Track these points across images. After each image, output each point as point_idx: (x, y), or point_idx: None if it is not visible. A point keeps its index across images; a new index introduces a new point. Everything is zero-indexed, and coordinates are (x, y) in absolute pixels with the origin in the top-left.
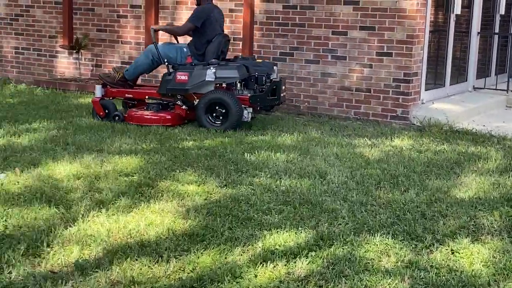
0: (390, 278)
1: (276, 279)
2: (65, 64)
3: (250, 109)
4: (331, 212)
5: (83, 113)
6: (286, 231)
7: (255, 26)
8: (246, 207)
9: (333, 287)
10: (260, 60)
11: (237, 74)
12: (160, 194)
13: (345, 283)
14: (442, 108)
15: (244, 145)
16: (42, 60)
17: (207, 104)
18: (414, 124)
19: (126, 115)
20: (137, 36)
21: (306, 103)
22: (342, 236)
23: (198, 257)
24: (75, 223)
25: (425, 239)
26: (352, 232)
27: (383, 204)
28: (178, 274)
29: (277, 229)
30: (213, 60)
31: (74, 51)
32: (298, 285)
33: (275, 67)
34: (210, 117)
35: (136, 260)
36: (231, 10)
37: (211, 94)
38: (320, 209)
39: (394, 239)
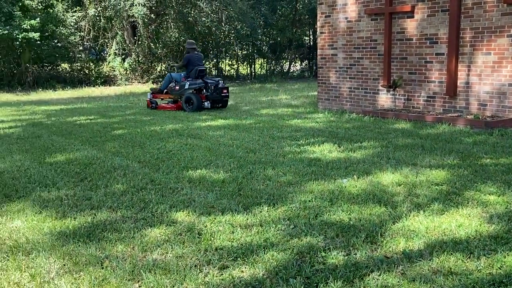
0: None
1: None
2: (384, 99)
3: (208, 101)
4: None
5: (399, 135)
6: None
7: None
8: None
9: None
10: (215, 77)
11: (197, 85)
12: (466, 202)
13: None
14: None
15: None
16: (368, 96)
17: (185, 99)
18: None
19: (158, 106)
20: (440, 77)
21: None
22: None
23: (505, 257)
24: (400, 220)
25: None
26: None
27: None
28: (488, 270)
29: None
30: (189, 78)
31: (391, 89)
32: None
33: (221, 81)
34: (187, 105)
35: (451, 254)
36: None
37: (186, 94)
38: None
39: None
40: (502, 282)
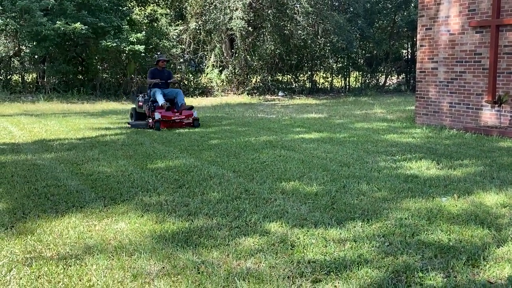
0: None
1: None
2: (487, 115)
3: None
4: None
5: (504, 153)
6: None
7: None
8: None
9: None
10: None
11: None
12: None
13: None
14: None
15: None
16: (470, 112)
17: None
18: None
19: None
20: None
21: None
22: None
23: None
24: (505, 244)
25: None
26: None
27: None
28: None
29: None
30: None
31: (496, 105)
32: None
33: None
34: None
35: None
36: None
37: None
38: None
39: None
40: None
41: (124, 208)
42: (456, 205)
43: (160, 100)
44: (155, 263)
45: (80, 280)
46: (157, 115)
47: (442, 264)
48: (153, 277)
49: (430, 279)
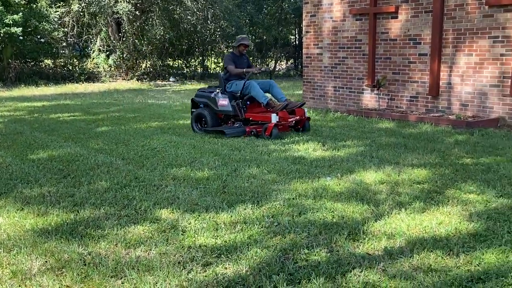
0: None
1: None
2: (368, 98)
3: None
4: None
5: (382, 134)
6: None
7: None
8: None
9: None
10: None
11: None
12: (447, 200)
13: None
14: None
15: None
16: (352, 95)
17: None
18: None
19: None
20: (422, 77)
21: None
22: None
23: (483, 254)
24: (382, 218)
25: None
26: None
27: None
28: (466, 267)
29: None
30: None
31: (375, 88)
32: None
33: None
34: None
35: (431, 251)
36: (501, 55)
37: None
38: None
39: None
40: (480, 278)
41: (2, 202)
42: (339, 184)
43: (263, 97)
44: (36, 257)
45: None
46: (275, 118)
47: (326, 240)
48: (34, 272)
49: (315, 254)
